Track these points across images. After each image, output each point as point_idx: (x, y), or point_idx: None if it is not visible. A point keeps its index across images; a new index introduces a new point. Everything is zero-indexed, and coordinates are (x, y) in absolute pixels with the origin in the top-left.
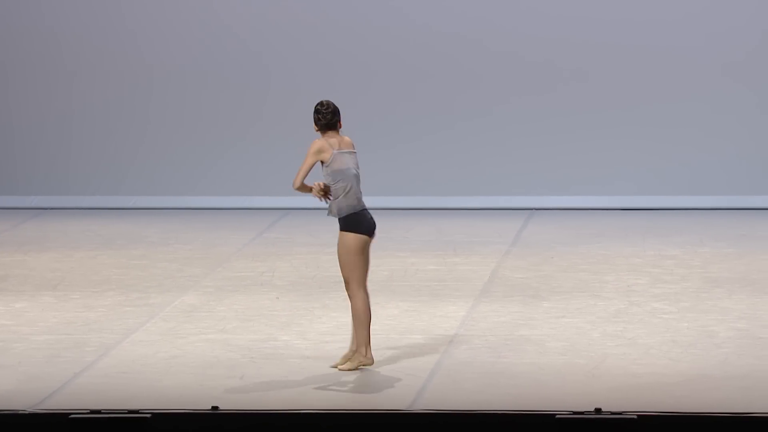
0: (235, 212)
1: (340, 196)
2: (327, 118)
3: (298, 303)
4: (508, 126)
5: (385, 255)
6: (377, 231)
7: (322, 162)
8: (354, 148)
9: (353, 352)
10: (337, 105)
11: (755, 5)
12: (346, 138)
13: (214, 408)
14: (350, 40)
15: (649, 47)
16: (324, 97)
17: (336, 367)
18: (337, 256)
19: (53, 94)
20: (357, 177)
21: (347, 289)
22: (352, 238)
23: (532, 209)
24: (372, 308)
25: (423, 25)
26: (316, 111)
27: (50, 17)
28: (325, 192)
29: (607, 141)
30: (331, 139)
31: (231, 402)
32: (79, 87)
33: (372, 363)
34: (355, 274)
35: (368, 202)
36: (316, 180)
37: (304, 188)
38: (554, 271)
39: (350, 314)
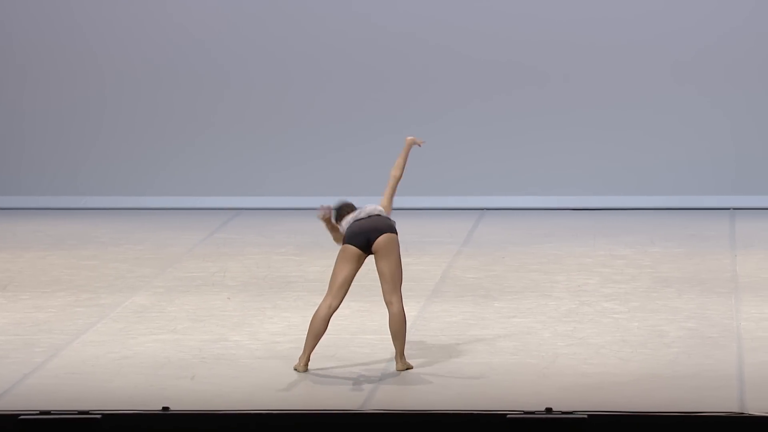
0: (186, 212)
1: None
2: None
3: (250, 303)
4: (458, 127)
5: (336, 255)
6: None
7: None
8: (372, 212)
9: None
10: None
11: (703, 6)
12: (368, 209)
13: (165, 408)
14: (307, 42)
15: (600, 48)
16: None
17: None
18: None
19: (2, 92)
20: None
21: None
22: (341, 249)
23: (483, 209)
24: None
25: (378, 26)
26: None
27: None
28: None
29: (559, 142)
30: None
31: (182, 402)
32: (29, 85)
33: (303, 370)
34: (330, 284)
35: (320, 202)
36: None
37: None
38: (505, 271)
39: (301, 315)
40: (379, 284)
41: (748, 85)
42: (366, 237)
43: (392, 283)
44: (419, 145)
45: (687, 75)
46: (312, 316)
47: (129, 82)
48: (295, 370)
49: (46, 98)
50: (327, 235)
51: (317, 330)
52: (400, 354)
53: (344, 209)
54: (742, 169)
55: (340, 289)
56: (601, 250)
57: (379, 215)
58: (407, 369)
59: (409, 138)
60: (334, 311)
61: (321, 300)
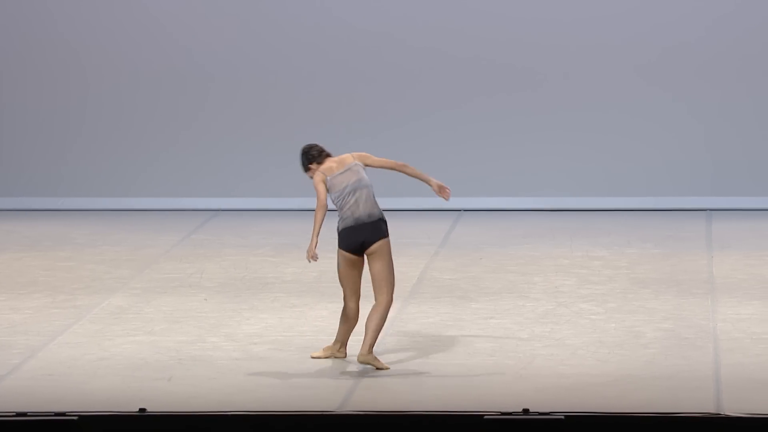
0: (164, 214)
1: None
2: (317, 157)
3: (227, 304)
4: (436, 129)
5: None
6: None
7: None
8: (350, 163)
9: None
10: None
11: (678, 8)
12: (345, 156)
13: (142, 410)
14: (287, 44)
15: (578, 50)
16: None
17: (312, 356)
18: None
19: None
20: (354, 191)
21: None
22: (338, 253)
23: (460, 210)
24: (301, 310)
25: (358, 28)
26: (306, 154)
27: None
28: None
29: (536, 144)
30: (325, 165)
31: (158, 404)
32: (7, 85)
33: (344, 357)
34: (343, 288)
35: (297, 203)
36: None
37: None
38: (483, 272)
39: (277, 316)
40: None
41: (723, 87)
42: (360, 242)
43: (380, 284)
44: (442, 196)
45: (662, 77)
46: (345, 313)
47: (108, 84)
48: (335, 357)
49: (23, 98)
50: (304, 237)
51: (353, 324)
52: (367, 345)
53: (317, 152)
54: (719, 171)
55: (355, 292)
56: (578, 252)
57: (372, 220)
58: (370, 364)
59: (437, 186)
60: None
61: (298, 301)
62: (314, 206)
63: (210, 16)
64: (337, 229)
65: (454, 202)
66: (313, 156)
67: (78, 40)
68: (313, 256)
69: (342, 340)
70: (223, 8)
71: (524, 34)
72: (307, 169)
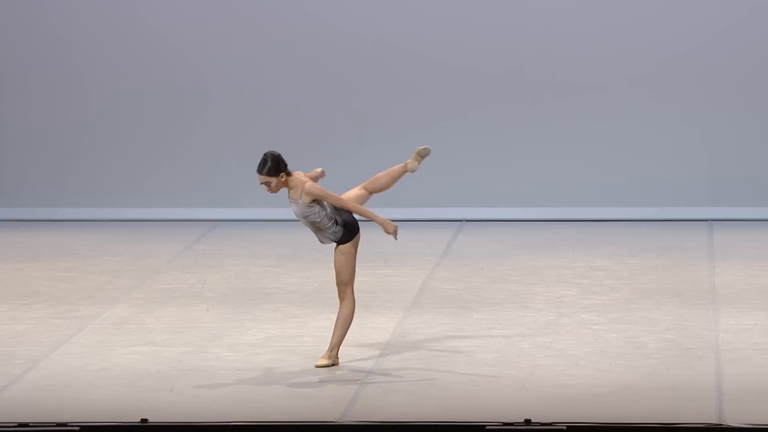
0: (165, 224)
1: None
2: (286, 168)
3: (228, 315)
4: (437, 140)
5: (315, 267)
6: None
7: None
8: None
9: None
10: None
11: (676, 20)
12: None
13: (144, 420)
14: (287, 54)
15: (578, 62)
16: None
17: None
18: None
19: None
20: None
21: (343, 292)
22: (349, 249)
23: (462, 221)
24: (302, 320)
25: (359, 38)
26: (280, 161)
27: None
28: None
29: (538, 155)
30: (305, 178)
31: (160, 414)
32: (8, 95)
33: (337, 363)
34: (351, 283)
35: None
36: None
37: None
38: (484, 282)
39: (279, 326)
40: (357, 296)
41: (722, 99)
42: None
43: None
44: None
45: (662, 89)
46: (348, 311)
47: (109, 94)
48: (333, 364)
49: (24, 109)
50: (305, 247)
51: (350, 323)
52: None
53: (285, 163)
54: (719, 182)
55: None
56: (579, 262)
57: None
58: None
59: (389, 227)
60: None
61: (290, 310)
62: None
63: (210, 27)
64: (342, 226)
65: (455, 213)
66: (285, 165)
67: (79, 52)
68: (394, 228)
69: (338, 343)
70: (224, 20)
71: (525, 46)
72: (275, 174)
